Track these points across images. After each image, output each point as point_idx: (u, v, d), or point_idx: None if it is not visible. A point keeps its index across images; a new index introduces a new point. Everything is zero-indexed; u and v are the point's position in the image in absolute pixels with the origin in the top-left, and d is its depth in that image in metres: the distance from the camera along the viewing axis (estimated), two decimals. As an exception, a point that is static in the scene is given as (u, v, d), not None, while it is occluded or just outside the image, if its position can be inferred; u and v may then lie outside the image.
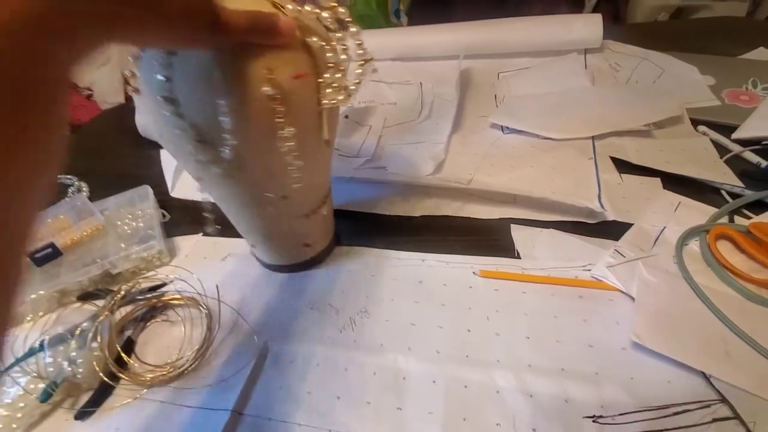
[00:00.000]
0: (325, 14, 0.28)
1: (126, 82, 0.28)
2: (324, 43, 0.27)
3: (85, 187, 0.56)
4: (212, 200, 0.35)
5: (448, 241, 0.42)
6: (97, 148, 0.67)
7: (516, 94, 0.63)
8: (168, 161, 0.58)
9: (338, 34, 0.28)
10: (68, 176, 0.57)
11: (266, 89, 0.24)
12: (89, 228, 0.43)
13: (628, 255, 0.38)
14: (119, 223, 0.45)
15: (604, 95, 0.58)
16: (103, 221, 0.43)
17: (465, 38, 0.70)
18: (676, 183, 0.45)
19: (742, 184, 0.43)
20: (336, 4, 0.27)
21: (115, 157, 0.64)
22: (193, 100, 0.25)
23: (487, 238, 0.42)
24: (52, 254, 0.40)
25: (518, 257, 0.40)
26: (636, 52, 0.67)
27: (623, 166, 0.48)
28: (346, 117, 0.62)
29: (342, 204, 0.47)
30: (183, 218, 0.49)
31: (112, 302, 0.37)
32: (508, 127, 0.56)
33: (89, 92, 1.24)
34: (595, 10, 1.11)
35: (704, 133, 0.51)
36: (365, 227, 0.45)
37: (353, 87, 0.29)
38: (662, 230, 0.40)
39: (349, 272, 0.40)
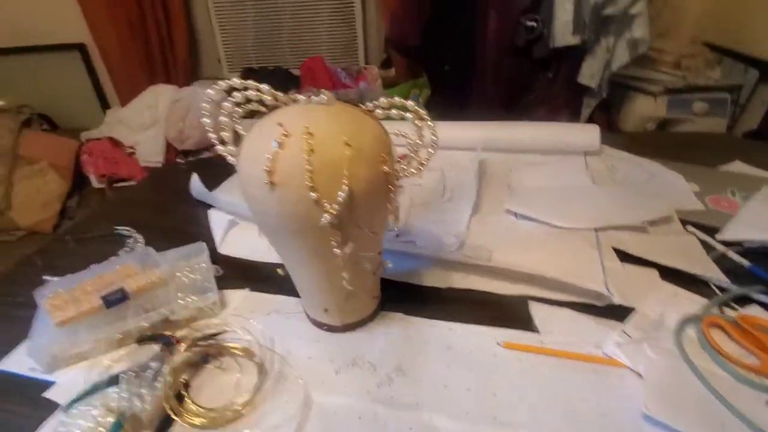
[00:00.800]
0: (408, 114, 0.37)
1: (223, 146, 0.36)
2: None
3: (141, 239, 0.62)
4: (266, 260, 0.41)
5: (473, 313, 0.47)
6: (151, 204, 0.74)
7: (527, 186, 0.72)
8: (217, 220, 0.65)
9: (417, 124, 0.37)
10: (126, 227, 0.64)
11: (385, 168, 0.33)
12: (153, 276, 0.48)
13: (634, 336, 0.43)
14: (178, 274, 0.50)
15: (604, 193, 0.66)
16: (167, 271, 0.49)
17: (483, 134, 0.81)
18: (671, 274, 0.51)
19: (727, 279, 0.50)
20: (418, 108, 0.37)
21: (167, 213, 0.71)
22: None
23: (507, 312, 0.47)
24: (121, 298, 0.45)
25: (537, 331, 0.45)
26: (629, 159, 0.78)
27: (623, 256, 0.55)
28: None
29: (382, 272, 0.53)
30: (231, 273, 0.55)
31: (175, 346, 0.41)
32: (521, 214, 0.64)
33: (132, 150, 1.35)
34: (590, 117, 1.27)
35: (692, 233, 0.59)
36: (401, 295, 0.50)
37: (424, 162, 0.39)
38: (662, 316, 0.46)
39: (386, 335, 0.45)
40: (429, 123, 0.37)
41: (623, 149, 0.80)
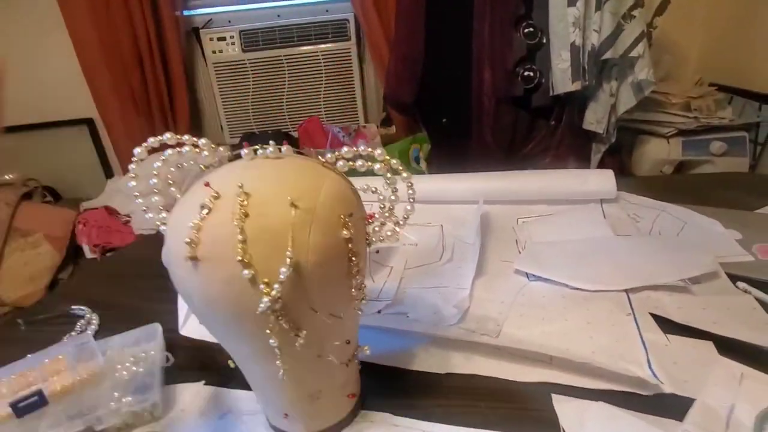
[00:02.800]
0: (377, 166, 0.30)
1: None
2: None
3: (95, 319, 0.54)
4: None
5: (480, 409, 0.37)
6: (117, 278, 0.67)
7: (537, 240, 0.63)
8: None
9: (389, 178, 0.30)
10: (81, 307, 0.56)
11: (345, 233, 0.26)
12: (86, 372, 0.39)
13: (700, 442, 0.32)
14: (119, 366, 0.41)
15: (631, 246, 0.57)
16: (103, 364, 0.40)
17: (485, 185, 0.74)
18: (730, 348, 0.40)
19: (807, 353, 0.39)
20: (388, 158, 0.29)
21: (132, 288, 0.63)
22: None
23: (524, 408, 0.37)
24: (36, 403, 0.36)
25: (565, 436, 0.34)
26: (652, 204, 0.69)
27: (666, 325, 0.44)
28: (377, 252, 0.62)
29: (362, 356, 0.43)
30: (187, 362, 0.46)
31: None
32: (534, 275, 0.54)
33: (127, 219, 1.32)
34: (600, 163, 1.20)
35: (746, 291, 0.48)
36: (388, 386, 0.40)
37: (401, 222, 0.31)
38: (732, 409, 0.35)
39: (365, 445, 0.34)
40: (404, 174, 0.30)
41: (642, 194, 0.72)
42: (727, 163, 1.26)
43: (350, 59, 1.62)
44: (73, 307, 0.57)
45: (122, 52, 1.50)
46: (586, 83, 0.98)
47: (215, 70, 1.64)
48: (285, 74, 1.64)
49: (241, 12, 1.63)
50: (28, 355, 0.44)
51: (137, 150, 0.31)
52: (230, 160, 0.31)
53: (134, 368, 0.42)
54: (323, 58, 1.62)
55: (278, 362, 0.28)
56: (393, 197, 0.31)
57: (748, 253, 0.55)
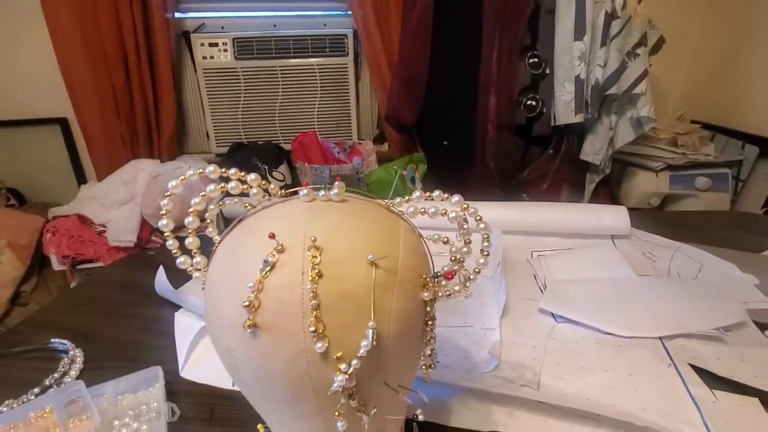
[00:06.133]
0: (452, 214, 0.26)
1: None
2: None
3: (80, 355, 0.47)
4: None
5: (533, 477, 0.33)
6: (102, 305, 0.60)
7: (557, 276, 0.61)
8: (183, 329, 0.51)
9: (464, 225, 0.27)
10: (62, 341, 0.49)
11: (426, 295, 0.23)
12: None
13: None
14: (117, 423, 0.36)
15: (659, 289, 0.56)
16: (99, 423, 0.34)
17: (499, 214, 0.71)
18: (773, 404, 0.39)
19: None
20: (466, 204, 0.27)
21: (120, 317, 0.57)
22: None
23: (581, 476, 0.34)
24: (19, 475, 0.30)
25: None
26: (667, 244, 0.69)
27: (707, 378, 0.42)
28: None
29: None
30: (192, 412, 0.40)
31: None
32: (561, 316, 0.52)
33: (102, 229, 1.22)
34: (593, 193, 1.22)
35: (776, 341, 0.48)
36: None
37: (472, 277, 0.28)
38: (795, 479, 0.33)
39: None
40: (482, 224, 0.27)
41: (650, 230, 0.72)
42: (710, 198, 1.31)
43: (347, 75, 1.59)
44: (53, 340, 0.50)
45: (105, 50, 1.41)
46: (588, 116, 1.00)
47: (205, 76, 1.57)
48: (279, 85, 1.59)
49: (236, 19, 1.58)
50: (7, 402, 0.38)
51: (172, 183, 0.26)
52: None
53: (135, 425, 0.36)
54: (319, 72, 1.58)
55: None
56: (465, 249, 0.28)
57: (769, 299, 0.55)
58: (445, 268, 0.28)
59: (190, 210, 0.26)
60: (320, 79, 1.59)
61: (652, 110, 1.03)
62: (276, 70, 1.57)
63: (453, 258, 0.28)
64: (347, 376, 0.21)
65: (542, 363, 0.45)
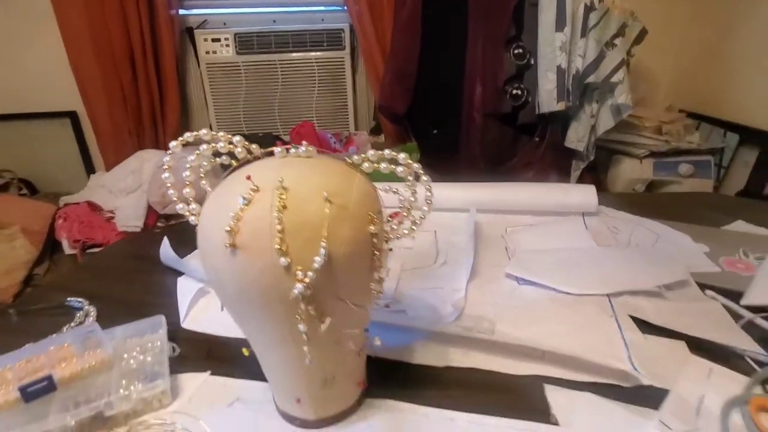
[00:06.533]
0: (400, 168, 0.32)
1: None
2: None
3: (93, 311, 0.54)
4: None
5: (477, 398, 0.40)
6: (112, 272, 0.67)
7: (525, 248, 0.67)
8: (184, 290, 0.58)
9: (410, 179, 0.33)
10: (78, 299, 0.56)
11: (372, 228, 0.28)
12: (94, 360, 0.40)
13: (674, 427, 0.35)
14: (126, 355, 0.42)
15: (612, 255, 0.61)
16: (111, 352, 0.41)
17: (476, 194, 0.77)
18: (699, 347, 0.45)
19: (764, 351, 0.43)
20: (411, 162, 0.32)
21: (128, 282, 0.63)
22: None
23: (519, 397, 0.40)
24: (46, 388, 0.36)
25: (556, 423, 0.37)
26: (631, 219, 0.74)
27: (643, 326, 0.48)
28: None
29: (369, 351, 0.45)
30: (192, 353, 0.47)
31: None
32: (524, 279, 0.58)
33: (110, 215, 1.29)
34: (580, 178, 1.27)
35: (713, 298, 0.53)
36: (391, 377, 0.42)
37: (418, 222, 0.35)
38: (701, 400, 0.39)
39: (369, 427, 0.36)
40: (424, 178, 0.33)
41: (620, 209, 0.77)
42: (694, 184, 1.36)
43: (343, 68, 1.65)
44: (69, 298, 0.56)
45: (113, 47, 1.48)
46: (570, 104, 1.05)
47: (208, 71, 1.64)
48: (278, 79, 1.66)
49: (237, 15, 1.64)
50: (27, 344, 0.44)
51: (173, 144, 0.33)
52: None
53: (141, 357, 0.42)
54: (317, 66, 1.65)
55: (305, 348, 0.30)
56: (412, 198, 0.34)
57: (715, 264, 0.60)
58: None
59: (187, 165, 0.32)
60: (318, 73, 1.65)
61: (629, 98, 1.07)
62: (276, 64, 1.63)
63: (401, 205, 0.33)
64: (304, 284, 0.27)
65: (500, 316, 0.51)
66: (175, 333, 0.49)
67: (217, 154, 0.33)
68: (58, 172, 1.71)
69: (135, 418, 0.38)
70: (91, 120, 1.59)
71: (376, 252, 0.30)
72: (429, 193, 0.34)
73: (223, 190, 0.30)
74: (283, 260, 0.26)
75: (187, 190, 0.33)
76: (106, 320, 0.53)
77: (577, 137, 1.14)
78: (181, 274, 0.62)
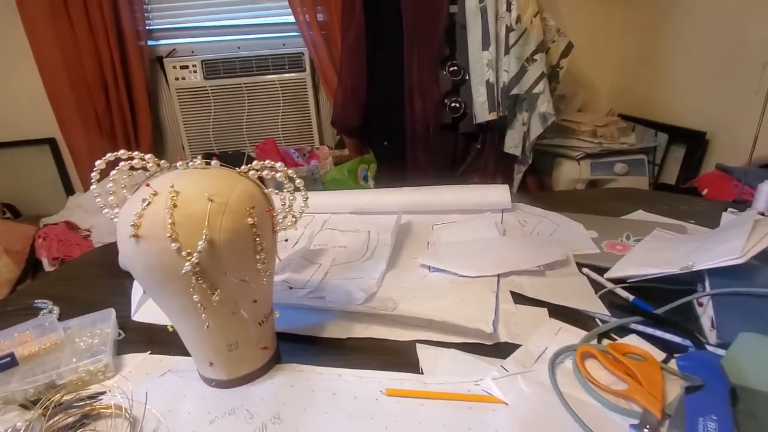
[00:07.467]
0: (278, 174, 0.42)
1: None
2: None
3: (56, 310, 0.62)
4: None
5: (366, 360, 0.48)
6: (76, 279, 0.75)
7: (444, 242, 0.76)
8: (137, 290, 0.66)
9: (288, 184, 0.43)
10: (44, 300, 0.64)
11: (249, 220, 0.37)
12: (49, 342, 0.48)
13: (511, 370, 0.45)
14: (77, 340, 0.51)
15: (510, 243, 0.71)
16: (63, 336, 0.49)
17: (407, 198, 0.87)
18: (560, 313, 0.54)
19: (609, 313, 0.53)
20: (286, 169, 0.42)
21: (92, 286, 0.72)
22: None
23: (398, 356, 0.49)
24: (9, 363, 0.45)
25: (421, 373, 0.46)
26: (540, 213, 0.84)
27: (520, 299, 0.58)
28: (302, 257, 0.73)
29: (284, 328, 0.54)
30: (136, 338, 0.55)
31: (46, 407, 0.40)
32: (434, 267, 0.67)
33: (87, 233, 1.37)
34: (523, 181, 1.37)
35: (586, 275, 0.63)
36: (301, 348, 0.51)
37: (297, 216, 0.44)
38: (544, 350, 0.48)
39: (272, 384, 0.45)
40: (297, 181, 0.42)
41: (540, 207, 0.87)
42: (630, 181, 1.47)
43: (305, 88, 1.77)
44: (36, 301, 0.65)
45: (87, 77, 1.58)
46: (500, 114, 1.16)
47: (178, 96, 1.74)
48: (245, 100, 1.76)
49: (204, 43, 1.76)
50: (-3, 334, 0.53)
51: (98, 162, 0.42)
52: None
53: (90, 340, 0.51)
54: (281, 87, 1.76)
55: (203, 315, 0.39)
56: (291, 197, 0.43)
57: (597, 247, 0.70)
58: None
59: (110, 179, 0.42)
60: (282, 93, 1.76)
61: (551, 106, 1.19)
62: (242, 87, 1.74)
63: (283, 203, 0.43)
64: (191, 263, 0.36)
65: (404, 297, 0.60)
66: (125, 323, 0.58)
67: (133, 168, 0.42)
68: (39, 195, 1.79)
69: (83, 387, 0.46)
70: (68, 145, 1.68)
71: (257, 238, 0.39)
72: (304, 193, 0.43)
73: (133, 197, 0.39)
74: (174, 245, 0.36)
75: (110, 198, 0.42)
76: (68, 317, 0.61)
77: (513, 143, 1.25)
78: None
